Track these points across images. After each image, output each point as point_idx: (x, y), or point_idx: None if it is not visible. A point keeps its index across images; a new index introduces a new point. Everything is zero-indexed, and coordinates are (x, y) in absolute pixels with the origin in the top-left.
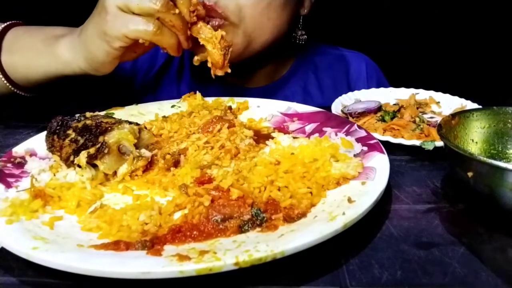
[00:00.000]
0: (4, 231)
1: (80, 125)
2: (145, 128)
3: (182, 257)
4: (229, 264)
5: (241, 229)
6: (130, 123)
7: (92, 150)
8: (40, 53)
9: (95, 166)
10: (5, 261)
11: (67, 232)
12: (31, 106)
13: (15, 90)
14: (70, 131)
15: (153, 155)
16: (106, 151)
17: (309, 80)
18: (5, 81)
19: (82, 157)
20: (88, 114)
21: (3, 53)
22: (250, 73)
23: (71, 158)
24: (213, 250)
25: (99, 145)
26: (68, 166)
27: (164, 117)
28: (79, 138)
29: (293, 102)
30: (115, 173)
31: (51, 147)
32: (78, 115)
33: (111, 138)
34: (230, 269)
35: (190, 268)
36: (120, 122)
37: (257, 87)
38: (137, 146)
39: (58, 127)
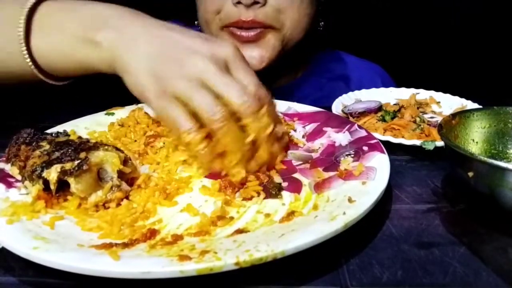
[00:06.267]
0: (4, 231)
1: (59, 139)
2: (130, 159)
3: (183, 257)
4: (230, 264)
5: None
6: (117, 149)
7: (68, 165)
8: (76, 39)
9: (63, 185)
10: (5, 261)
11: (67, 232)
12: (31, 106)
13: (43, 78)
14: (44, 143)
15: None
16: (84, 167)
17: (323, 85)
18: (32, 66)
19: (54, 170)
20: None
21: (34, 35)
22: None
23: (38, 171)
24: (213, 250)
25: (79, 161)
26: (30, 180)
27: None
28: (54, 151)
29: (293, 102)
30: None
31: (14, 157)
32: (56, 131)
33: (95, 157)
34: (231, 269)
35: (190, 268)
36: (107, 145)
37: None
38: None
39: (29, 137)
